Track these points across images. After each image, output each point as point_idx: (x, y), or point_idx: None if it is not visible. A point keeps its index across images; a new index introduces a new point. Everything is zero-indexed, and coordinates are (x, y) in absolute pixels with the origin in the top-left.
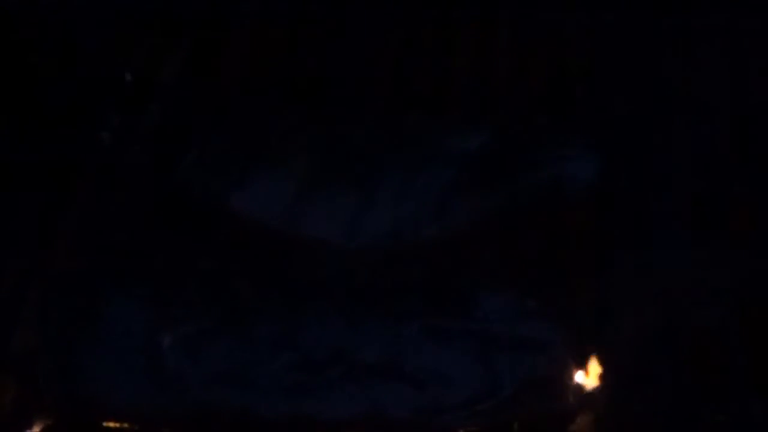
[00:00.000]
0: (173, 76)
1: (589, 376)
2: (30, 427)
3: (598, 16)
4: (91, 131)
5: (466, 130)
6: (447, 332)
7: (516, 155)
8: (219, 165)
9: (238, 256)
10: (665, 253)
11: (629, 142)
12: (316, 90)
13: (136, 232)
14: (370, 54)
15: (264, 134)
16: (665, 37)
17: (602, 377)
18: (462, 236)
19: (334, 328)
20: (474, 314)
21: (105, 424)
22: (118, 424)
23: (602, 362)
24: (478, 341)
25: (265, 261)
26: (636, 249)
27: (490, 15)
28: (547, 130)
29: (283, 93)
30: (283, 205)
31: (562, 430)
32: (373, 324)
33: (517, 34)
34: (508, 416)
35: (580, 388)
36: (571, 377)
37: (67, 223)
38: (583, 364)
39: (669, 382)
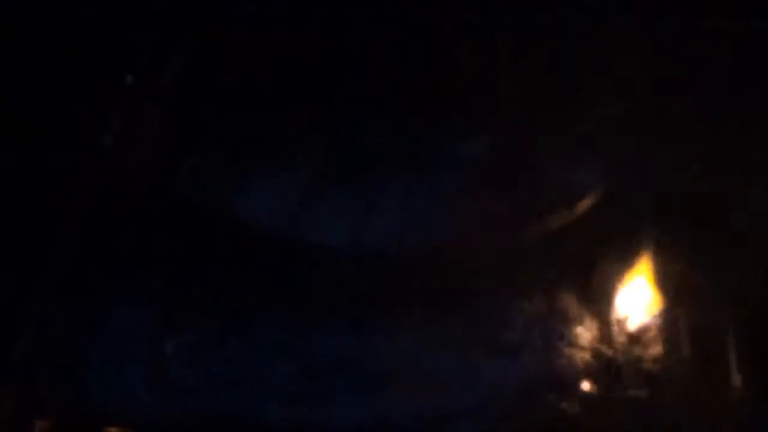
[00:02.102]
0: (175, 79)
1: (593, 381)
2: None
3: (602, 18)
4: (93, 134)
5: (470, 135)
6: (451, 339)
7: (520, 160)
8: (221, 169)
9: (241, 262)
10: (669, 257)
11: (631, 144)
12: (318, 94)
13: (137, 237)
14: (372, 57)
15: (267, 139)
16: (668, 38)
17: (608, 382)
18: (467, 242)
19: (337, 335)
20: (479, 321)
21: (106, 430)
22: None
23: (608, 368)
24: (483, 348)
25: (268, 267)
26: (641, 255)
27: (492, 17)
28: (551, 134)
29: (285, 97)
30: (286, 211)
31: None
32: (376, 331)
33: (519, 37)
34: (513, 423)
35: (584, 393)
36: (576, 383)
37: (69, 227)
38: (588, 370)
39: (675, 387)
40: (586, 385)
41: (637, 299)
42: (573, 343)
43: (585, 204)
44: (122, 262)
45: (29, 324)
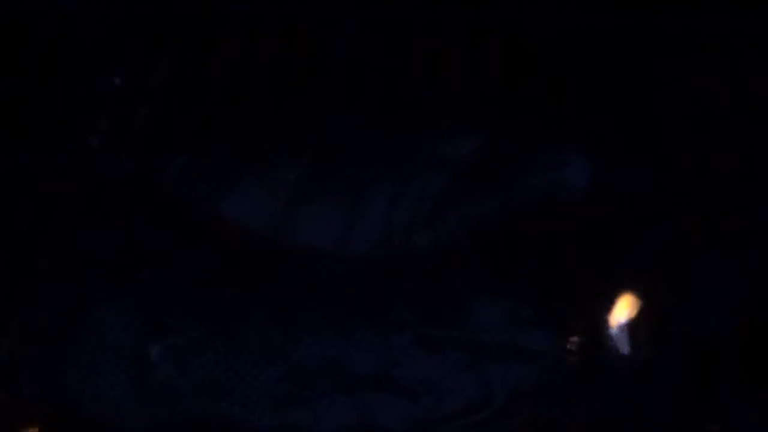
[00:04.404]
0: (163, 81)
1: (583, 385)
2: None
3: (593, 20)
4: (80, 136)
5: (459, 136)
6: (440, 342)
7: (509, 161)
8: (209, 171)
9: (227, 264)
10: (662, 260)
11: (623, 146)
12: (306, 96)
13: (124, 239)
14: (361, 58)
15: (254, 141)
16: (660, 39)
17: (598, 385)
18: (455, 244)
19: (325, 338)
20: (467, 323)
21: None
22: None
23: (597, 370)
24: (472, 351)
25: (255, 269)
26: (632, 256)
27: (483, 18)
28: (541, 135)
29: (273, 99)
30: (273, 212)
31: None
32: (364, 334)
33: (510, 38)
34: (502, 427)
35: (574, 397)
36: (565, 387)
37: (55, 229)
38: (577, 373)
39: (666, 391)
40: (575, 389)
41: (627, 302)
42: (567, 347)
43: (575, 205)
44: (108, 264)
45: (14, 326)
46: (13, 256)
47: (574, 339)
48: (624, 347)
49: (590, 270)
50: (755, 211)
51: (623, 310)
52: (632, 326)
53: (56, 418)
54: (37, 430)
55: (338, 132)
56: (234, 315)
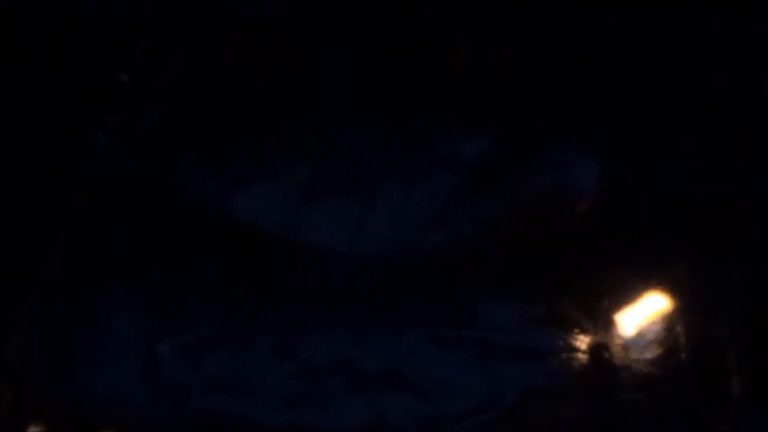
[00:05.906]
0: (172, 78)
1: (593, 385)
2: None
3: (600, 20)
4: (88, 133)
5: (469, 137)
6: (449, 341)
7: (519, 161)
8: (218, 170)
9: (238, 262)
10: (668, 262)
11: (630, 147)
12: (317, 95)
13: (133, 237)
14: (370, 59)
15: (264, 139)
16: (667, 39)
17: (606, 386)
18: (465, 243)
19: (335, 337)
20: (477, 322)
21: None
22: None
23: (606, 371)
24: (481, 350)
25: (265, 268)
26: (639, 258)
27: (491, 20)
28: (550, 135)
29: (283, 97)
30: (283, 212)
31: None
32: (374, 332)
33: (519, 39)
34: (511, 426)
35: (582, 397)
36: (574, 386)
37: (63, 227)
38: (586, 373)
39: (674, 392)
40: (584, 389)
41: (636, 303)
42: (571, 346)
43: (584, 206)
44: (118, 262)
45: (23, 324)
46: (22, 253)
47: (584, 339)
48: (630, 348)
49: (600, 270)
50: (763, 213)
51: (631, 310)
52: (639, 326)
53: (65, 416)
54: (47, 427)
55: (348, 132)
56: (244, 312)
